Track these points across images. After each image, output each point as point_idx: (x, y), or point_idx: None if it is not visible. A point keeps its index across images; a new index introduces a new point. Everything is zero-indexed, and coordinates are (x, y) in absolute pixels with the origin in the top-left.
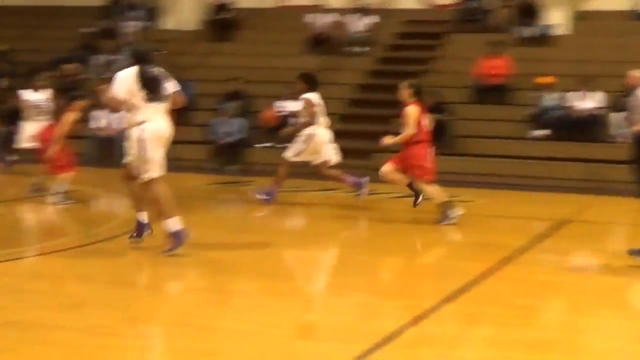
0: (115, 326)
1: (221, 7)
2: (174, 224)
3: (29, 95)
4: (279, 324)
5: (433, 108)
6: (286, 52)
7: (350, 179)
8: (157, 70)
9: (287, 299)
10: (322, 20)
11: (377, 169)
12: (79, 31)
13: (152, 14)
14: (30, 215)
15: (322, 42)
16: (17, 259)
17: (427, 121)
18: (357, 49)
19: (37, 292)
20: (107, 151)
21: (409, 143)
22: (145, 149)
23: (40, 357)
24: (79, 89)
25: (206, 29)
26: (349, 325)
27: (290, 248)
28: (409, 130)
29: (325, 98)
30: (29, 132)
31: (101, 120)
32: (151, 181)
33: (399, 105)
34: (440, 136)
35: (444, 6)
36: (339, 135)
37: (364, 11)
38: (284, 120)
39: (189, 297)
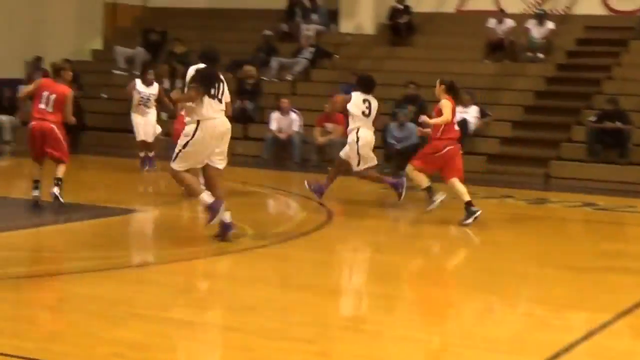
0: (287, 330)
1: (399, 11)
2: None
3: (140, 88)
4: (449, 333)
5: (612, 115)
6: (463, 57)
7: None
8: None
9: (457, 308)
10: (501, 26)
11: (553, 176)
12: (258, 34)
13: (330, 17)
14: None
15: (500, 48)
16: (192, 259)
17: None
18: (535, 55)
19: (209, 292)
20: (284, 153)
21: (435, 138)
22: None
23: (211, 358)
24: (258, 91)
25: (383, 33)
26: (520, 336)
27: (460, 257)
28: (445, 117)
29: (501, 104)
30: (144, 125)
31: (277, 122)
32: None
33: (578, 113)
34: (618, 145)
35: (628, 12)
36: (514, 142)
37: (544, 17)
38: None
39: (358, 302)
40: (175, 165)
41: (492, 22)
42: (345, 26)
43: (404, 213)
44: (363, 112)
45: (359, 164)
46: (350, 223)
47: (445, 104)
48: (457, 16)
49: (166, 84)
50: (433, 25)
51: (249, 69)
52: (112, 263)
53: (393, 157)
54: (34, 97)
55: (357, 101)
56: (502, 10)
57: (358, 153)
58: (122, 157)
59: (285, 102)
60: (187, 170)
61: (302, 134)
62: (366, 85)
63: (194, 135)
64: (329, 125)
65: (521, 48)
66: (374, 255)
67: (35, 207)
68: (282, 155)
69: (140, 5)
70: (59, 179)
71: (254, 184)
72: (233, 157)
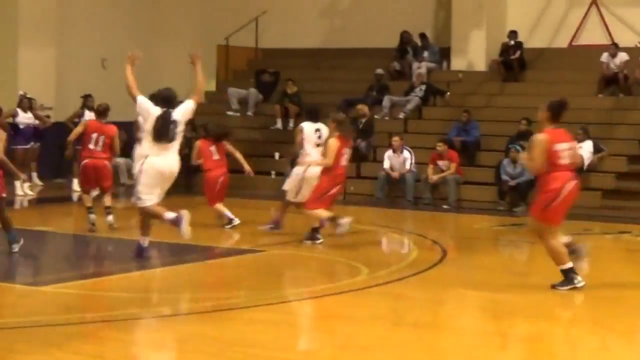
0: None
1: (511, 47)
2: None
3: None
4: None
5: None
6: (576, 92)
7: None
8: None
9: (572, 345)
10: (614, 60)
11: None
12: (370, 72)
13: (442, 54)
14: (321, 255)
15: (614, 82)
16: (308, 298)
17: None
18: None
19: (325, 331)
20: (396, 191)
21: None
22: None
23: None
24: (370, 130)
25: (495, 70)
26: None
27: (574, 292)
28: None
29: (616, 139)
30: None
31: (390, 160)
32: None
33: None
34: None
35: None
36: (629, 177)
37: None
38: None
39: (472, 340)
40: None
41: (605, 56)
42: (457, 63)
43: (518, 250)
44: (315, 142)
45: (296, 195)
46: (464, 261)
47: (536, 141)
48: (569, 50)
49: (279, 123)
50: (545, 61)
51: (361, 107)
52: (227, 303)
53: (507, 193)
54: (83, 137)
55: (308, 132)
56: (615, 44)
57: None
58: (239, 197)
59: (397, 140)
60: None
61: (415, 172)
62: (314, 115)
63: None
64: (442, 163)
65: (635, 81)
66: (488, 292)
67: (139, 254)
68: (395, 193)
69: (253, 47)
70: (109, 207)
71: (367, 222)
72: (346, 196)
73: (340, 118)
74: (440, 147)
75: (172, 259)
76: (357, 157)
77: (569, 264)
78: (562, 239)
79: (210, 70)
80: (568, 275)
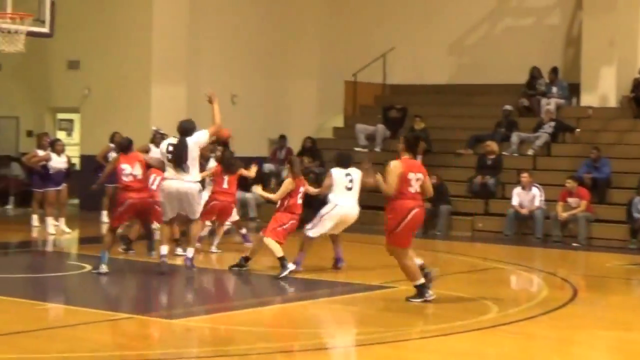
0: None
1: None
2: None
3: None
4: None
5: None
6: None
7: None
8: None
9: None
10: None
11: None
12: (498, 108)
13: (572, 90)
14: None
15: None
16: (438, 335)
17: None
18: None
19: None
20: (525, 229)
21: None
22: None
23: None
24: (498, 167)
25: (626, 106)
26: None
27: None
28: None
29: None
30: None
31: (519, 197)
32: None
33: None
34: None
35: None
36: None
37: None
38: None
39: None
40: None
41: None
42: (587, 99)
43: None
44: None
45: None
46: (595, 300)
47: (392, 166)
48: None
49: None
50: None
51: (490, 144)
52: (357, 339)
53: (638, 231)
54: (116, 171)
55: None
56: None
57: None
58: (368, 233)
59: (526, 177)
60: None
61: (544, 209)
62: (345, 161)
63: None
64: (572, 200)
65: None
66: (621, 332)
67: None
68: (523, 230)
69: (380, 83)
70: (178, 239)
71: (496, 259)
72: (474, 233)
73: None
74: (570, 184)
75: (302, 294)
76: (485, 193)
77: (421, 280)
78: (416, 260)
79: (337, 106)
80: (421, 290)
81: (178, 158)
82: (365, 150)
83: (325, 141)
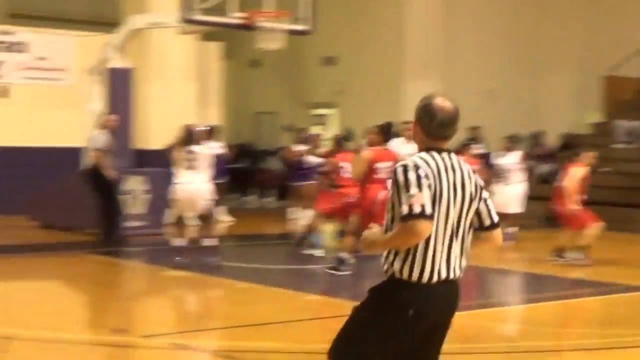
0: None
1: None
2: None
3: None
4: None
5: None
6: None
7: None
8: None
9: None
10: None
11: None
12: None
13: None
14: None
15: None
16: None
17: None
18: None
19: None
20: None
21: None
22: None
23: None
24: None
25: None
26: None
27: None
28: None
29: None
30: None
31: None
32: None
33: None
34: None
35: None
36: None
37: None
38: None
39: None
40: None
41: None
42: None
43: None
44: None
45: None
46: None
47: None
48: None
49: None
50: None
51: None
52: (614, 342)
53: None
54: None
55: None
56: None
57: None
58: (629, 231)
59: None
60: None
61: None
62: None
63: None
64: None
65: None
66: None
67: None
68: None
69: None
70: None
71: None
72: None
73: None
74: None
75: (565, 293)
76: None
77: None
78: None
79: (595, 101)
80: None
81: None
82: (624, 146)
83: (581, 137)
